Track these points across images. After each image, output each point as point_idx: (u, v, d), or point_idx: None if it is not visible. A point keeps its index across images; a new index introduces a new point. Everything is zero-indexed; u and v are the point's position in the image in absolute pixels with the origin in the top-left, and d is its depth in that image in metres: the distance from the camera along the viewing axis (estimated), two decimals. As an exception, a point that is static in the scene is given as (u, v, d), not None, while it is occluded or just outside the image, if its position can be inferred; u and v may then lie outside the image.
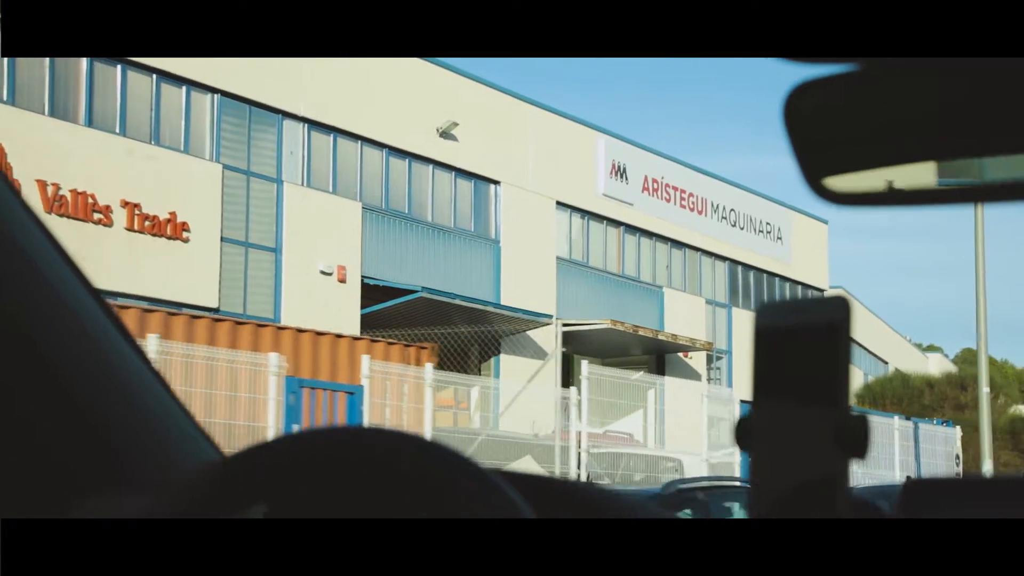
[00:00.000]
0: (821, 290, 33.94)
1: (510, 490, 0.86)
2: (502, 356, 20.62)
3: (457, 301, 18.78)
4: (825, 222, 34.53)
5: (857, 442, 0.75)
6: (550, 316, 21.16)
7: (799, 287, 32.99)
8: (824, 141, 0.84)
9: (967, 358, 64.20)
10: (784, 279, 32.20)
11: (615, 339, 24.75)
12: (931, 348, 57.91)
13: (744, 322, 30.21)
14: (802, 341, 0.77)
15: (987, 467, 16.47)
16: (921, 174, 0.85)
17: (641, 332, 23.80)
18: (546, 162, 23.41)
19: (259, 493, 0.89)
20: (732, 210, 29.89)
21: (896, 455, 20.92)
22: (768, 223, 31.44)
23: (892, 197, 0.86)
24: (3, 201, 1.06)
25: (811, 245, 33.28)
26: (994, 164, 0.84)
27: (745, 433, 0.79)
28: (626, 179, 25.86)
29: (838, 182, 0.87)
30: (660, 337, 24.55)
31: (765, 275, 31.47)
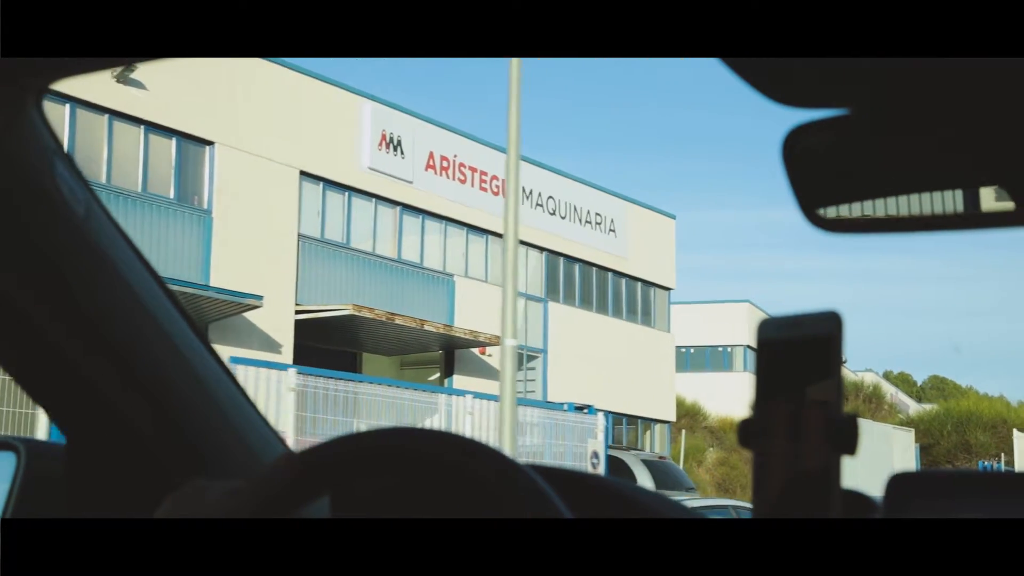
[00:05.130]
0: (668, 289, 31.17)
1: (553, 494, 0.97)
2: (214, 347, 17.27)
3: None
4: (672, 217, 31.71)
5: (847, 440, 0.83)
6: (260, 297, 17.75)
7: (638, 283, 30.10)
8: (818, 177, 0.92)
9: (934, 384, 69.55)
10: (619, 274, 29.27)
11: (409, 335, 21.60)
12: (860, 371, 57.76)
13: (564, 318, 27.19)
14: (799, 351, 0.85)
15: (508, 448, 12.80)
16: (915, 203, 0.91)
17: (399, 321, 20.58)
18: (285, 126, 20.06)
19: (325, 485, 1.01)
20: (551, 197, 26.93)
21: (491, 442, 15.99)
22: (598, 214, 28.54)
23: (886, 225, 0.93)
24: (96, 219, 1.16)
25: (653, 240, 30.41)
26: (986, 193, 0.91)
27: (747, 433, 0.86)
28: (402, 153, 22.69)
29: (833, 212, 0.95)
30: (428, 327, 21.29)
31: (595, 269, 28.49)
